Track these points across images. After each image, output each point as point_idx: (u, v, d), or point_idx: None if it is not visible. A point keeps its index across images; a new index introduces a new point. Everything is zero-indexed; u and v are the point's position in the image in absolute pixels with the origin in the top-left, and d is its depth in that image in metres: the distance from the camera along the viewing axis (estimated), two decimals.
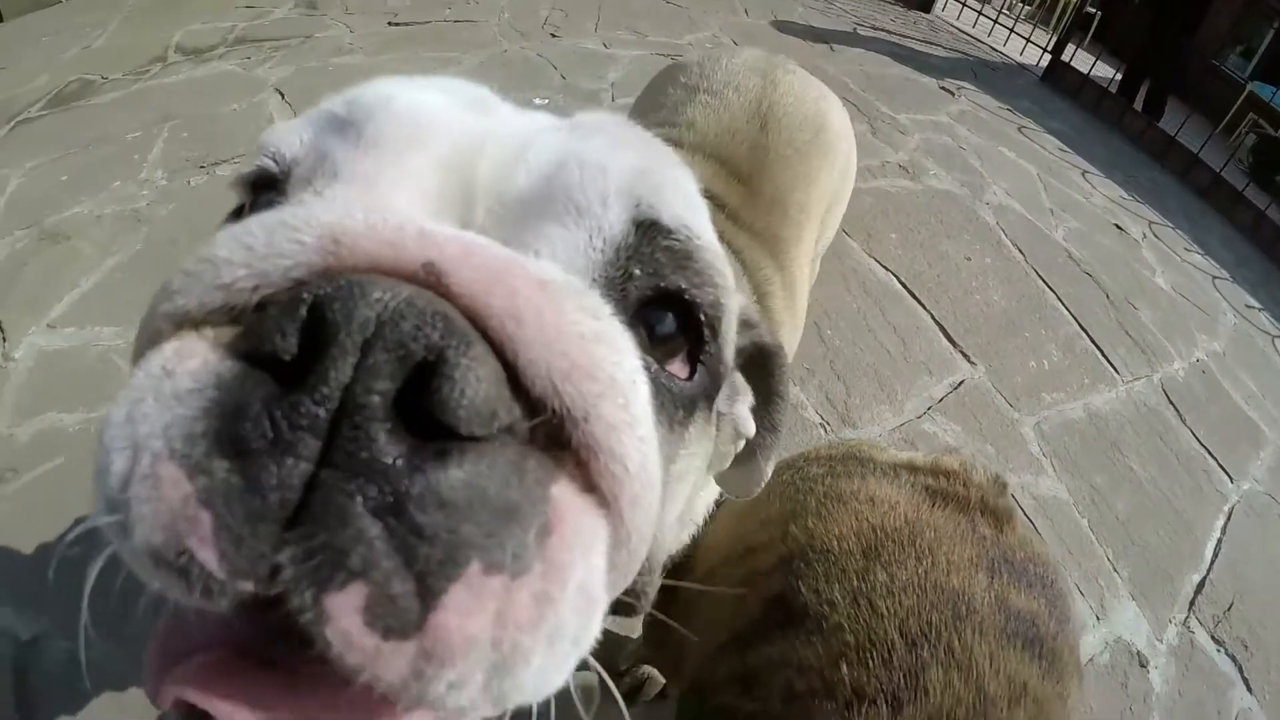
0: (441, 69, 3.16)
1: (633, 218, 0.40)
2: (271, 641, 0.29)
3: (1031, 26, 5.39)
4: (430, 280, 0.30)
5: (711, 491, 0.84)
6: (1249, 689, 1.72)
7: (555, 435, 0.31)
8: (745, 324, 0.57)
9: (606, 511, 0.32)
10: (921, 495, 0.76)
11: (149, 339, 0.32)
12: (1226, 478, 2.25)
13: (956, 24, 5.54)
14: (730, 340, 0.50)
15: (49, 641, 1.33)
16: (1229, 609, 1.87)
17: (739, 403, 0.58)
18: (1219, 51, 7.75)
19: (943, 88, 4.21)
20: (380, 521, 0.26)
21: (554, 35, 3.75)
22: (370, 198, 0.37)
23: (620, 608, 0.43)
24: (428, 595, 0.26)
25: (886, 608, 0.64)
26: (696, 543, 0.88)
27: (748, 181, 1.08)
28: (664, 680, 1.35)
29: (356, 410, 0.26)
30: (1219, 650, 1.78)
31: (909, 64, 4.40)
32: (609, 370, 0.32)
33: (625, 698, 1.38)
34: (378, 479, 0.26)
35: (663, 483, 0.40)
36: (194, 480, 0.26)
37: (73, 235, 2.20)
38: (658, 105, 1.22)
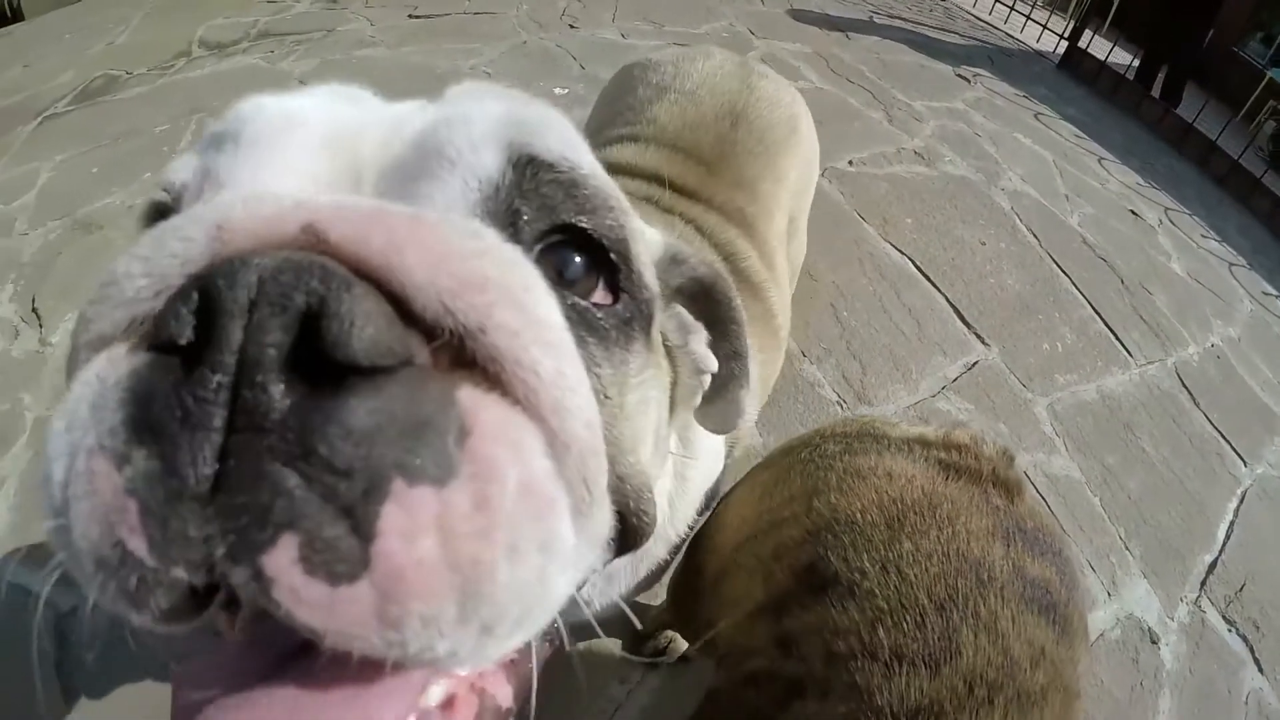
0: (463, 60, 3.20)
1: (508, 158, 0.40)
2: (281, 669, 0.31)
3: (1048, 13, 5.33)
4: (311, 241, 0.30)
5: (707, 473, 0.87)
6: (1260, 669, 1.73)
7: (460, 357, 0.31)
8: (675, 260, 0.58)
9: (528, 417, 0.31)
10: (935, 469, 0.78)
11: (77, 367, 0.32)
12: (1240, 461, 2.25)
13: (973, 11, 5.48)
14: (647, 264, 0.49)
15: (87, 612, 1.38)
16: (1240, 590, 1.88)
17: (693, 340, 0.59)
18: (1239, 38, 7.64)
19: (959, 75, 4.18)
20: (293, 469, 0.26)
21: (572, 26, 3.76)
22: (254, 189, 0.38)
23: (626, 541, 0.43)
24: (362, 527, 0.26)
25: (914, 575, 0.66)
26: (716, 522, 0.92)
27: (708, 165, 1.09)
28: (686, 644, 1.38)
29: (252, 368, 0.26)
30: (1230, 630, 1.79)
31: (925, 51, 4.37)
32: (498, 281, 0.32)
33: (648, 661, 1.41)
34: (280, 429, 0.26)
35: (624, 411, 0.42)
36: (121, 470, 0.27)
37: (105, 225, 2.25)
38: (627, 106, 1.21)
